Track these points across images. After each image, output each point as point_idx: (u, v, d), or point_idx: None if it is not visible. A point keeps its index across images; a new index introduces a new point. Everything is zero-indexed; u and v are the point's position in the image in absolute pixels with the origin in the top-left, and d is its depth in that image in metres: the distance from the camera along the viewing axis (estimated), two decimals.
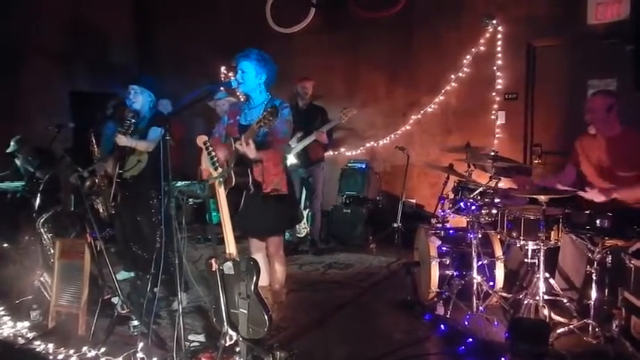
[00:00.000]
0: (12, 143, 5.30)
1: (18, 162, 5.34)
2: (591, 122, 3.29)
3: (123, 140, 3.41)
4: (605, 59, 4.48)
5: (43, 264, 3.53)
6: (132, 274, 4.10)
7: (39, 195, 4.15)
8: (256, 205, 2.90)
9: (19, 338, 3.12)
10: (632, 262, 2.61)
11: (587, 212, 2.90)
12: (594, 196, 3.02)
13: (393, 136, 5.70)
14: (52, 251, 3.42)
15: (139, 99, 3.59)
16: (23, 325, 3.25)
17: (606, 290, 2.89)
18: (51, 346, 2.96)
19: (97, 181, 3.58)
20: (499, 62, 5.00)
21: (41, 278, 3.46)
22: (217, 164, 2.71)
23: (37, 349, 2.97)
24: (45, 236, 3.59)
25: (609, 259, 2.83)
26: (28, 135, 5.51)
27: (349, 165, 5.72)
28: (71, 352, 2.88)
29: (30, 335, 3.14)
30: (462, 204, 3.52)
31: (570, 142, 3.57)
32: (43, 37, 6.46)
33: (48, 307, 3.28)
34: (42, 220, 3.60)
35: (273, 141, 2.89)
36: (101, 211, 3.71)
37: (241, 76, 2.92)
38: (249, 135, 2.70)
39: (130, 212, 3.66)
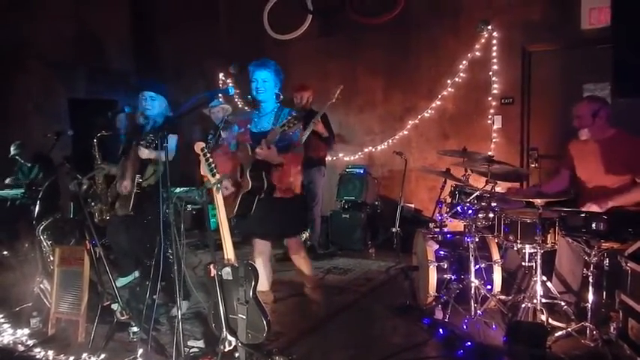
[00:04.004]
0: (12, 148, 5.34)
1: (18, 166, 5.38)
2: (579, 128, 3.35)
3: (146, 153, 3.31)
4: (600, 64, 4.51)
5: (43, 271, 3.53)
6: (129, 278, 4.11)
7: (38, 202, 4.17)
8: (270, 208, 2.99)
9: (19, 345, 3.12)
10: (629, 264, 2.63)
11: (583, 215, 2.92)
12: (591, 209, 3.03)
13: (390, 141, 5.73)
14: (52, 258, 3.43)
15: (155, 105, 3.46)
16: (23, 333, 3.25)
17: (603, 293, 2.90)
18: (51, 353, 2.97)
19: (92, 184, 3.58)
20: (495, 67, 5.04)
21: (41, 285, 3.47)
22: (215, 170, 2.73)
23: (37, 356, 2.97)
24: (44, 243, 3.61)
25: (606, 261, 2.84)
26: (27, 141, 5.54)
27: (347, 170, 5.74)
28: (71, 358, 2.89)
29: (30, 342, 3.14)
30: (459, 208, 3.54)
31: (566, 146, 3.61)
32: (42, 42, 6.49)
33: (48, 314, 3.29)
34: (41, 227, 3.62)
35: (290, 145, 2.98)
36: (96, 216, 3.72)
37: (263, 85, 3.04)
38: (271, 138, 2.81)
39: (144, 218, 3.55)
